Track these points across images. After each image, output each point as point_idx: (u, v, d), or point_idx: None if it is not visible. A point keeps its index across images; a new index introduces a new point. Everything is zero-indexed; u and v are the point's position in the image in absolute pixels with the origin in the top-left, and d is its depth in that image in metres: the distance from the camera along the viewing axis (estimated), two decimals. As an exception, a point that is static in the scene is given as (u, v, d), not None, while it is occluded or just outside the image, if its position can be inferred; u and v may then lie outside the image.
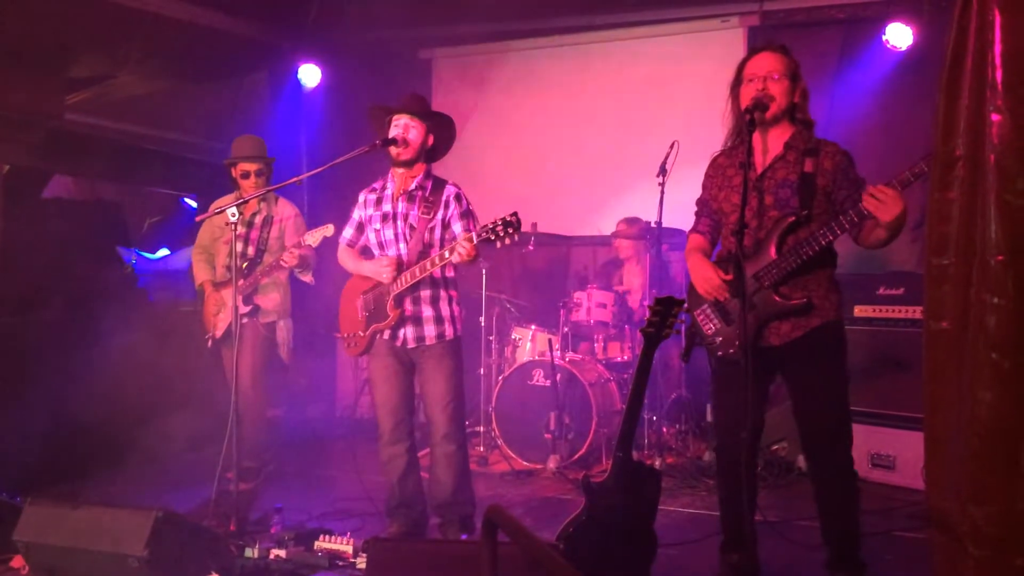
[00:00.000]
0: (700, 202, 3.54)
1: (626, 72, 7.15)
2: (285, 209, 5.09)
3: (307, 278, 5.00)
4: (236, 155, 5.00)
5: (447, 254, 3.70)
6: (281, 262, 4.72)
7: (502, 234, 3.54)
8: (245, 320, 4.86)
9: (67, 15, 5.73)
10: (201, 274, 5.16)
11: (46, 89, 6.17)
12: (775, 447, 5.29)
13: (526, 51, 7.46)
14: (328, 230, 4.53)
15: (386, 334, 3.99)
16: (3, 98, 5.78)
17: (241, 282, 4.87)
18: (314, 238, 4.58)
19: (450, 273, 4.05)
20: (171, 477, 5.12)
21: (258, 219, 5.01)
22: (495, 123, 7.56)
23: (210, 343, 5.07)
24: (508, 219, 3.53)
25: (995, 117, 1.95)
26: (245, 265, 4.86)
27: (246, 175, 4.98)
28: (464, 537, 3.96)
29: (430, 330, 3.96)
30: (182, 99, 7.33)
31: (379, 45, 7.46)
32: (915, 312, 4.95)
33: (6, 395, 4.78)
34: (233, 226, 4.02)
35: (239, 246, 5.00)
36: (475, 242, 3.59)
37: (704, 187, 3.50)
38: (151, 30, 6.26)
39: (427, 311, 3.96)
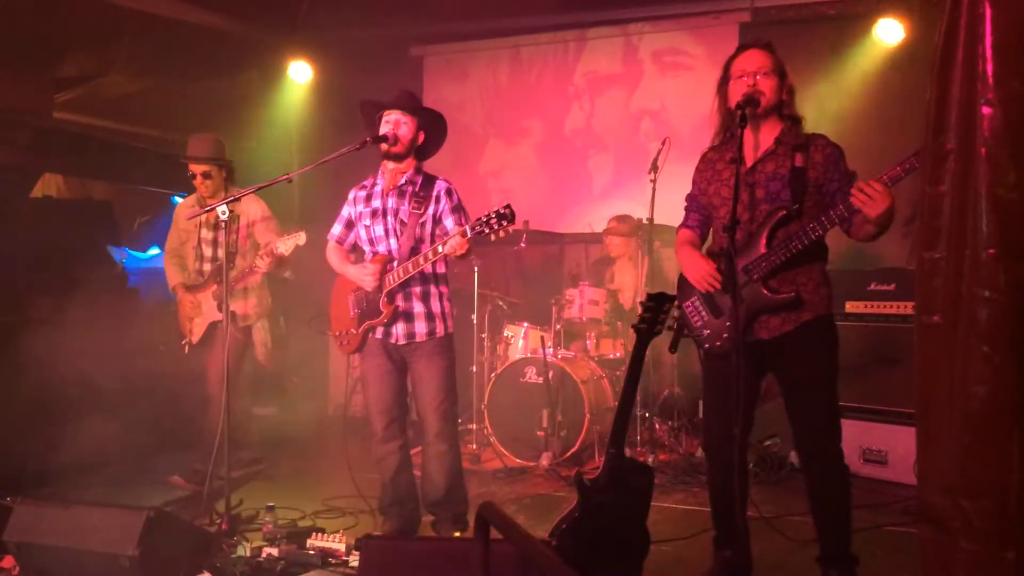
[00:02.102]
0: (690, 197, 3.55)
1: (617, 68, 7.15)
2: (251, 207, 4.99)
3: (286, 274, 4.97)
4: (188, 155, 4.91)
5: (440, 248, 3.68)
6: (255, 268, 4.69)
7: (496, 227, 3.52)
8: (221, 324, 4.77)
9: (56, 13, 5.71)
10: (174, 277, 5.09)
11: (35, 88, 6.14)
12: (767, 443, 5.29)
13: (517, 48, 7.46)
14: (300, 238, 4.47)
15: (378, 332, 3.98)
16: (-9, 97, 5.77)
17: (214, 287, 4.83)
18: (286, 246, 4.52)
19: (441, 269, 4.04)
20: (162, 476, 5.09)
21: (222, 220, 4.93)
22: (486, 120, 7.55)
23: (187, 349, 5.01)
24: (502, 211, 3.53)
25: (986, 110, 1.95)
26: (218, 268, 4.77)
27: (194, 176, 4.90)
28: (457, 535, 3.95)
29: (421, 327, 3.94)
30: (172, 97, 7.30)
31: (370, 43, 7.44)
32: (907, 308, 4.97)
33: (9, 392, 4.77)
34: (224, 224, 3.99)
35: (207, 250, 4.96)
36: (469, 235, 3.58)
37: (694, 182, 3.51)
38: (140, 28, 6.24)
39: (418, 307, 3.95)
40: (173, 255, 5.15)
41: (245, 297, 4.99)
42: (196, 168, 4.88)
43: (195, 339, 4.97)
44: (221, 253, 4.88)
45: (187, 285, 5.01)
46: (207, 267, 4.97)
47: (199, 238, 5.01)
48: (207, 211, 4.30)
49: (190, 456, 5.02)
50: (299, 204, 7.98)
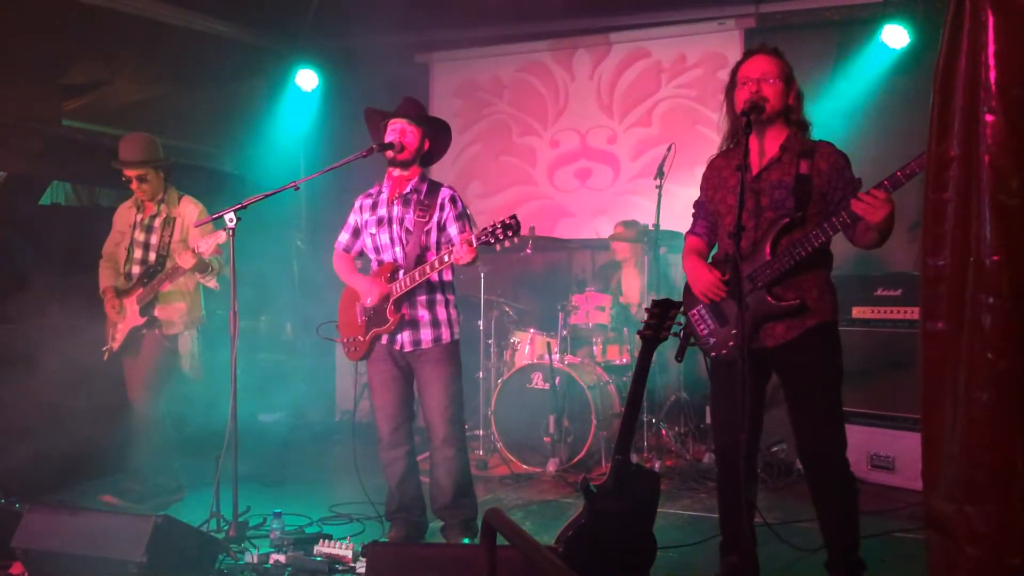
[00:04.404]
0: (697, 204, 3.56)
1: (623, 75, 7.16)
2: (188, 208, 4.82)
3: (211, 284, 4.72)
4: (120, 159, 4.74)
5: (446, 257, 3.70)
6: (178, 263, 4.50)
7: (501, 237, 3.55)
8: (144, 332, 4.71)
9: (63, 22, 5.74)
10: (105, 280, 4.90)
11: (43, 96, 6.18)
12: (774, 448, 5.29)
13: (522, 55, 7.48)
14: (220, 237, 4.25)
15: (384, 338, 3.99)
16: (0, 105, 5.79)
17: (140, 291, 4.70)
18: (207, 245, 4.31)
19: (447, 276, 4.05)
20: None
21: (157, 222, 4.80)
22: (492, 127, 7.57)
23: (106, 356, 4.83)
24: (507, 222, 3.55)
25: (989, 118, 1.95)
26: (146, 272, 4.70)
27: (130, 181, 4.75)
28: (466, 541, 3.96)
29: (427, 334, 3.96)
30: (179, 105, 7.34)
31: (376, 50, 7.47)
32: (913, 313, 4.96)
33: (4, 402, 4.78)
34: (230, 231, 3.98)
35: (138, 252, 4.80)
36: (475, 245, 3.60)
37: (701, 189, 3.52)
38: (148, 36, 6.27)
39: (424, 315, 3.96)
40: (108, 259, 4.97)
41: (172, 301, 4.78)
42: (131, 173, 4.71)
43: (116, 346, 4.78)
44: (152, 256, 4.74)
45: (117, 289, 4.82)
46: (136, 269, 4.79)
47: (132, 239, 4.84)
48: (216, 217, 4.25)
49: (126, 474, 4.89)
50: (305, 211, 8.01)
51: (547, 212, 7.30)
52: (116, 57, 6.45)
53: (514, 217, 3.56)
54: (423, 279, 3.83)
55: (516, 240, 3.58)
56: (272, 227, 6.85)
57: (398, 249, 3.97)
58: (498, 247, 3.60)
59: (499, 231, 3.55)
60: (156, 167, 4.78)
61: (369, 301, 3.94)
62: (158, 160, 4.80)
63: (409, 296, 3.93)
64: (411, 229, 3.93)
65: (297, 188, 4.06)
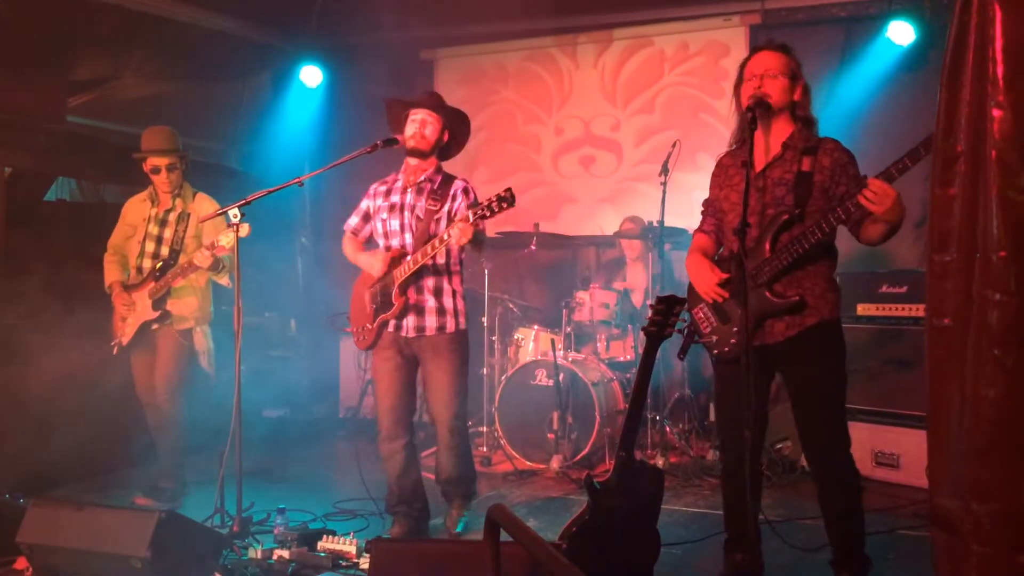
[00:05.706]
0: (706, 203, 3.55)
1: (626, 64, 7.15)
2: (203, 204, 4.81)
3: (223, 281, 4.71)
4: (145, 148, 4.74)
5: (447, 235, 3.73)
6: (194, 262, 4.48)
7: (496, 209, 3.60)
8: (156, 327, 4.70)
9: (69, 17, 5.74)
10: (111, 275, 4.87)
11: (48, 92, 6.18)
12: (779, 446, 5.28)
13: (527, 51, 7.47)
14: (243, 230, 4.15)
15: (391, 325, 4.00)
16: (5, 101, 5.79)
17: (151, 285, 4.69)
18: (228, 239, 4.23)
19: (455, 267, 4.08)
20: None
21: (172, 216, 4.79)
22: (497, 115, 7.56)
23: (115, 350, 4.81)
24: (502, 195, 3.61)
25: (996, 112, 1.95)
26: (159, 266, 4.68)
27: (156, 170, 4.73)
28: (465, 518, 4.10)
29: (431, 321, 3.98)
30: (185, 101, 7.34)
31: (381, 46, 7.47)
32: (918, 310, 4.94)
33: (9, 397, 4.79)
34: (235, 228, 3.98)
35: (150, 246, 4.79)
36: (472, 220, 3.62)
37: (710, 188, 3.52)
38: (153, 32, 6.27)
39: (430, 301, 4.00)
40: (115, 252, 4.93)
41: (184, 296, 4.76)
42: (160, 161, 4.70)
43: (125, 340, 4.74)
44: (165, 250, 4.73)
45: (124, 284, 4.81)
46: (148, 263, 4.77)
47: (145, 233, 4.82)
48: (220, 213, 4.24)
49: (151, 472, 4.89)
50: (309, 208, 8.01)
51: (551, 199, 7.30)
52: (121, 53, 6.45)
53: (508, 190, 3.62)
54: (425, 260, 3.86)
55: (507, 208, 3.63)
56: (276, 223, 6.85)
57: (407, 236, 4.00)
58: (491, 216, 3.64)
59: (494, 203, 3.60)
60: (182, 156, 4.81)
61: (377, 271, 3.98)
62: (180, 150, 4.83)
63: (416, 281, 3.96)
64: (421, 217, 3.97)
65: (301, 184, 4.05)
